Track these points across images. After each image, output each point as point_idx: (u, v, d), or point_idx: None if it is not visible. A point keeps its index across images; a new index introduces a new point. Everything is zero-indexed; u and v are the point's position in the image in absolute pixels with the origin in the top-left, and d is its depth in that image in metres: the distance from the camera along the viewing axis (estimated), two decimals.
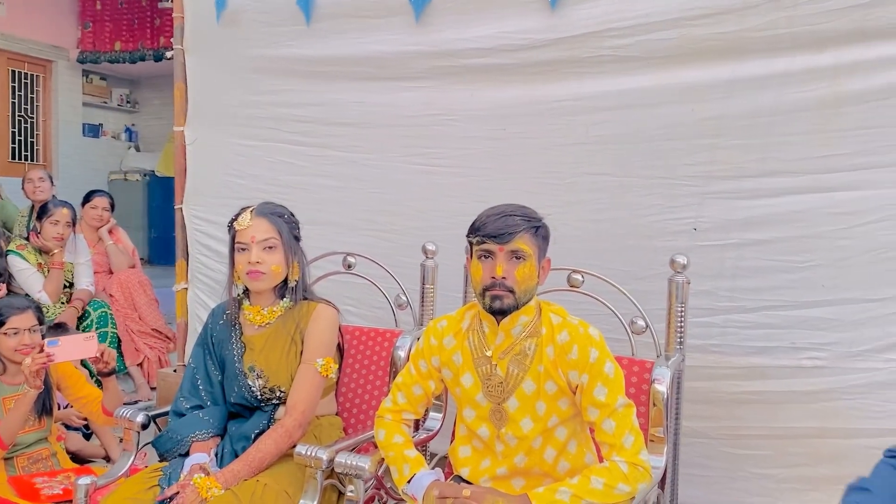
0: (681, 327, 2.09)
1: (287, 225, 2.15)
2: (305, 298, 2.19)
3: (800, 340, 2.31)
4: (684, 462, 2.12)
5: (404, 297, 2.49)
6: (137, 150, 9.25)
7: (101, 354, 2.40)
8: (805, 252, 2.33)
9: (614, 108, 2.57)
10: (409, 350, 2.24)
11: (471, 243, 1.76)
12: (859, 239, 2.27)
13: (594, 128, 2.61)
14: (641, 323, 2.13)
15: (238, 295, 2.21)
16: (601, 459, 1.70)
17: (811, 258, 2.32)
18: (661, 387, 1.93)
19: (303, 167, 3.22)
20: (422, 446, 2.24)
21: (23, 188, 4.79)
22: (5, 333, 2.52)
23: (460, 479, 1.85)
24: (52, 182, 4.88)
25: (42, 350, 2.36)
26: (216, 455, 2.07)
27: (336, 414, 2.32)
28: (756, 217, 2.38)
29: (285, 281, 2.16)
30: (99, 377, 2.56)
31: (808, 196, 2.33)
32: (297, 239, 2.19)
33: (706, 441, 2.41)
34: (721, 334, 2.41)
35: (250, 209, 2.13)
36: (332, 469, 1.91)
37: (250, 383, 2.12)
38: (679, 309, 2.09)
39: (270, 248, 2.10)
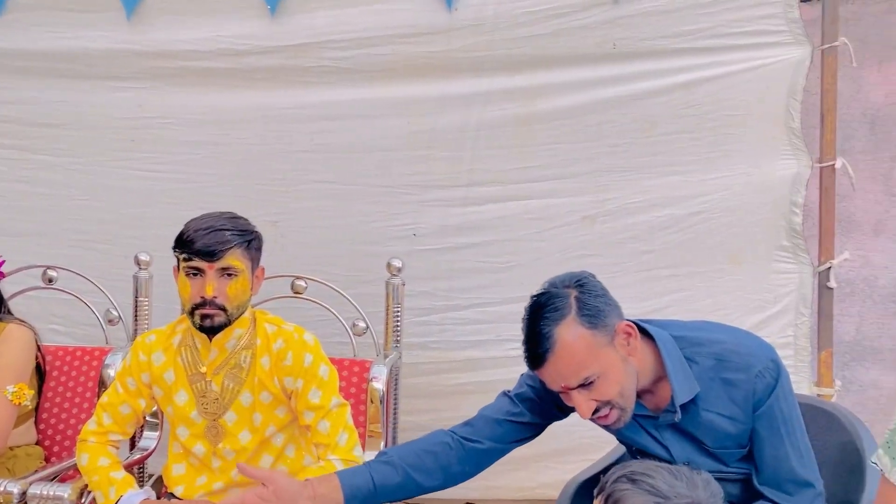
0: (398, 327, 2.21)
1: None
2: None
3: (505, 332, 2.54)
4: None
5: (115, 312, 2.33)
6: None
7: None
8: (508, 254, 2.58)
9: (338, 117, 2.64)
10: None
11: (177, 257, 1.68)
12: (551, 241, 2.57)
13: (319, 136, 2.66)
14: (362, 325, 2.21)
15: None
16: (317, 459, 1.73)
17: (513, 259, 2.58)
18: (378, 384, 2.02)
19: None
20: (138, 466, 2.12)
21: None
22: None
23: (172, 496, 1.78)
24: None
25: None
26: None
27: (36, 443, 2.10)
28: (467, 222, 2.59)
29: None
30: None
31: (509, 204, 2.59)
32: None
33: (426, 433, 2.56)
34: (439, 331, 2.59)
35: None
36: (26, 502, 1.73)
37: None
38: (396, 309, 2.20)
39: None
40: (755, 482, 1.47)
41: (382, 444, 2.01)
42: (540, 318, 1.37)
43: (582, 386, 1.36)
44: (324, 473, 1.63)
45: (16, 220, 2.75)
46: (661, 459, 1.47)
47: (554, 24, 2.49)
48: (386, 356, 2.15)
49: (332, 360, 1.83)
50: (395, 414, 2.15)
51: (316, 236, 2.66)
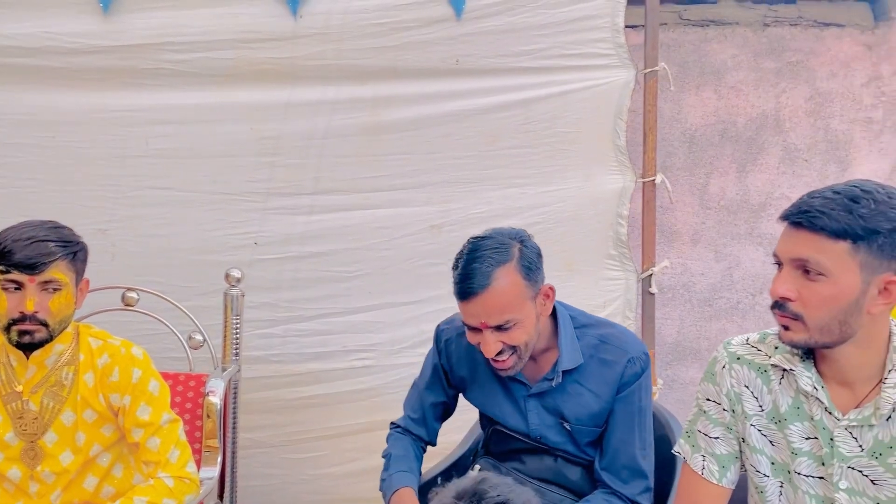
0: (237, 339, 2.14)
1: None
2: None
3: (350, 343, 2.55)
4: (245, 474, 2.18)
5: None
6: None
7: None
8: (355, 263, 2.58)
9: (175, 122, 2.53)
10: None
11: None
12: (398, 250, 2.59)
13: (155, 140, 2.54)
14: (199, 338, 2.13)
15: None
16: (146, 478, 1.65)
17: (360, 268, 2.58)
18: (215, 399, 1.95)
19: None
20: None
21: None
22: None
23: None
24: None
25: None
26: None
27: None
28: (312, 231, 2.56)
29: None
30: None
31: (356, 212, 2.58)
32: None
33: (268, 450, 2.51)
34: (281, 344, 2.53)
35: None
36: None
37: None
38: (235, 321, 2.14)
39: None
40: (596, 466, 1.62)
41: (219, 459, 1.94)
42: (484, 257, 1.50)
43: (498, 328, 1.50)
44: (154, 492, 1.57)
45: None
46: (517, 431, 1.66)
47: (400, 36, 2.52)
48: (224, 369, 2.08)
49: (166, 375, 1.76)
50: (234, 429, 2.08)
51: (150, 245, 2.53)
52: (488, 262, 1.49)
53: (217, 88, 2.53)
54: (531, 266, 1.52)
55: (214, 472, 1.90)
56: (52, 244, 1.56)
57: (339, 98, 2.56)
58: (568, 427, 1.62)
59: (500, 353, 1.53)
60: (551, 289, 1.58)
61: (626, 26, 2.61)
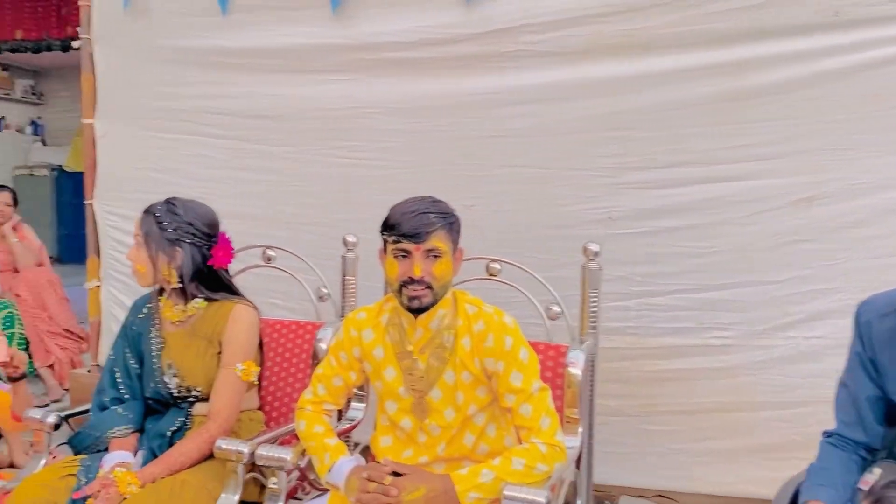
0: (594, 312, 2.16)
1: (157, 223, 2.05)
2: (224, 294, 2.14)
3: (707, 321, 2.43)
4: (600, 441, 2.20)
5: (325, 290, 2.48)
6: (44, 143, 8.84)
7: (11, 359, 2.29)
8: (712, 238, 2.45)
9: (532, 101, 2.63)
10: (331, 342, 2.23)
11: (385, 240, 1.76)
12: (759, 225, 2.40)
13: (513, 121, 2.67)
14: (557, 309, 2.19)
15: (159, 288, 2.16)
16: (520, 441, 1.74)
17: (717, 244, 2.45)
18: (576, 370, 1.99)
19: (221, 160, 3.16)
20: (345, 436, 2.25)
21: None
22: None
23: None
24: None
25: None
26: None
27: (259, 408, 2.29)
28: (667, 206, 2.49)
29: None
30: (8, 381, 2.45)
31: (713, 185, 2.45)
32: (174, 240, 2.05)
33: (622, 419, 2.51)
34: (636, 317, 2.51)
35: None
36: (254, 462, 1.89)
37: (167, 380, 2.08)
38: (592, 295, 2.16)
39: (139, 245, 2.06)
40: None
41: (580, 429, 1.99)
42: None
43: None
44: (529, 455, 1.65)
45: (237, 204, 3.00)
46: None
47: None
48: (582, 341, 2.12)
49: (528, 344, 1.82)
50: (591, 400, 2.11)
51: (509, 220, 2.68)
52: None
53: (571, 65, 2.57)
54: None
55: (576, 441, 1.95)
56: (433, 215, 1.71)
57: (696, 65, 2.44)
58: None
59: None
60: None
61: None
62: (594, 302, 2.17)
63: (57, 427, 2.14)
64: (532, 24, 2.58)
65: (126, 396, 2.13)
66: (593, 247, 2.16)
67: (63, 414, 2.17)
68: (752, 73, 2.39)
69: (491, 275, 2.31)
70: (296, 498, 2.10)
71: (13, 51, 7.59)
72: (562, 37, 2.54)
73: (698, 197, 2.45)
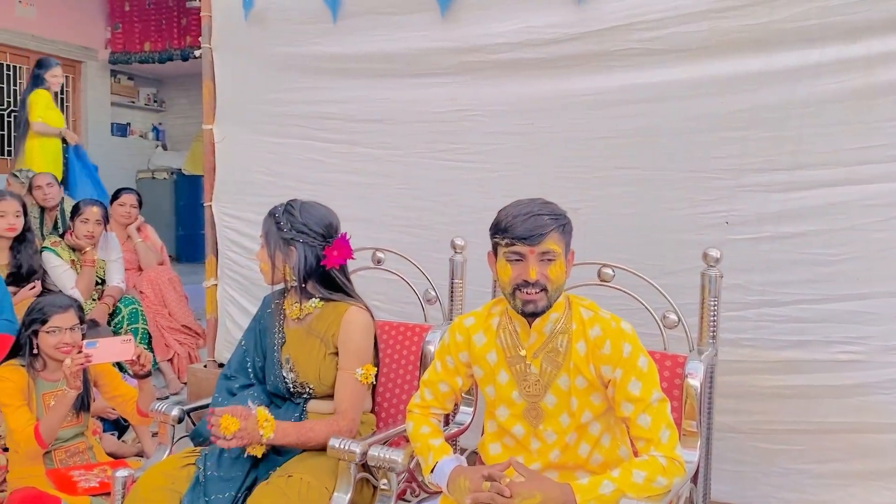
0: (713, 321, 2.07)
1: (275, 224, 2.13)
2: (340, 295, 2.19)
3: (834, 334, 2.28)
4: (716, 457, 2.11)
5: (433, 292, 2.50)
6: (164, 148, 9.35)
7: (138, 357, 2.43)
8: (839, 245, 2.29)
9: (643, 101, 2.55)
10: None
11: (496, 243, 1.74)
12: (895, 231, 2.23)
13: (622, 121, 2.60)
14: (673, 317, 2.12)
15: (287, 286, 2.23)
16: (635, 453, 1.69)
17: (846, 251, 2.29)
18: (695, 381, 1.92)
19: (331, 164, 3.24)
20: (452, 440, 2.25)
21: (30, 193, 4.55)
22: (47, 332, 2.56)
23: None
24: (59, 185, 4.76)
25: (80, 351, 2.40)
26: None
27: (371, 410, 2.33)
28: (789, 210, 2.35)
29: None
30: (134, 378, 2.60)
31: (841, 188, 2.29)
32: (289, 240, 2.11)
33: (738, 436, 2.39)
34: (754, 328, 2.39)
35: None
36: (365, 463, 1.92)
37: (284, 374, 2.15)
38: (712, 303, 2.07)
39: (262, 245, 2.16)
40: None
41: (698, 443, 1.91)
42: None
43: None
44: (650, 468, 1.59)
45: (347, 206, 3.03)
46: None
47: None
48: (701, 352, 2.03)
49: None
50: (709, 414, 2.03)
51: (618, 224, 2.60)
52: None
53: (685, 63, 2.47)
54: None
55: (695, 455, 1.88)
56: (546, 217, 1.68)
57: (822, 61, 2.29)
58: None
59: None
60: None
61: None
62: (713, 310, 2.08)
63: (180, 420, 2.24)
64: (644, 21, 2.50)
65: (254, 383, 2.22)
66: (714, 252, 2.08)
67: (185, 408, 2.27)
68: (883, 69, 2.23)
69: (603, 280, 2.26)
70: (404, 500, 2.12)
71: (142, 62, 8.10)
72: (676, 33, 2.45)
73: (824, 201, 2.29)
